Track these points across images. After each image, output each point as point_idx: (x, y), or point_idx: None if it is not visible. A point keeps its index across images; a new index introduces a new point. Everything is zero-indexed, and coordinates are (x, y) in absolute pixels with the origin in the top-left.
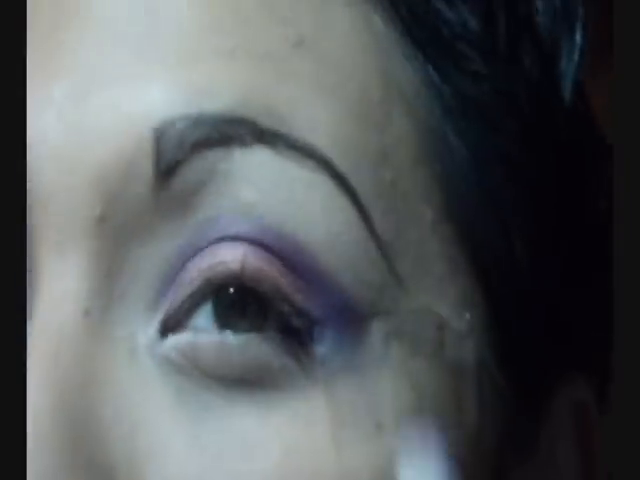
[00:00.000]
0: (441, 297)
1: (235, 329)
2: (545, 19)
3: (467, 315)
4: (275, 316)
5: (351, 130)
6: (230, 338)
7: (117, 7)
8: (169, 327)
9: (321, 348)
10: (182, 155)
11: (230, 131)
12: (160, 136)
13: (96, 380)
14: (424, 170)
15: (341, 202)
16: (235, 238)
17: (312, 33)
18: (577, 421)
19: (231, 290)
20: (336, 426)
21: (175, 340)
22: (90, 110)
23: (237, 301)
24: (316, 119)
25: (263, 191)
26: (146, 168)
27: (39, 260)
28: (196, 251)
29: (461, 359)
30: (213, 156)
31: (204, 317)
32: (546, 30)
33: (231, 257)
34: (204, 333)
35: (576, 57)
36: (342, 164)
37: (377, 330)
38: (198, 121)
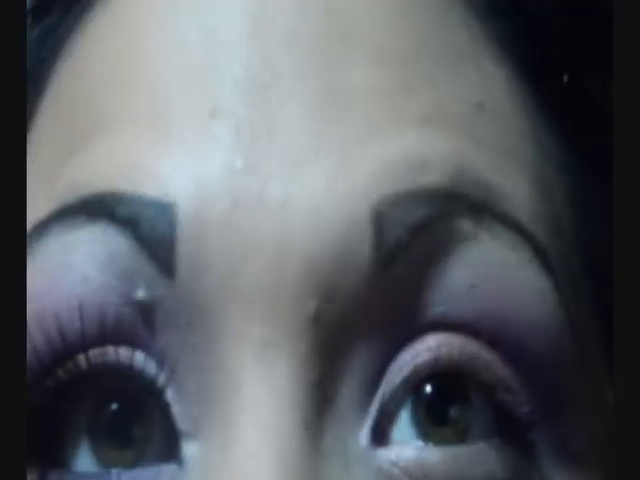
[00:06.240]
0: (601, 381)
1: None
2: None
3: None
4: (491, 414)
5: (539, 202)
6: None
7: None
8: (378, 436)
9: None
10: (406, 237)
11: (448, 207)
12: (381, 217)
13: None
14: (579, 243)
15: (546, 284)
16: (452, 327)
17: (485, 93)
18: None
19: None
20: None
21: (386, 452)
22: (295, 190)
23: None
24: (515, 190)
25: (480, 275)
26: (364, 255)
27: (237, 361)
28: (406, 341)
29: None
30: (433, 236)
31: (406, 426)
32: None
33: (447, 349)
34: (406, 445)
35: None
36: (541, 241)
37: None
38: (418, 198)
